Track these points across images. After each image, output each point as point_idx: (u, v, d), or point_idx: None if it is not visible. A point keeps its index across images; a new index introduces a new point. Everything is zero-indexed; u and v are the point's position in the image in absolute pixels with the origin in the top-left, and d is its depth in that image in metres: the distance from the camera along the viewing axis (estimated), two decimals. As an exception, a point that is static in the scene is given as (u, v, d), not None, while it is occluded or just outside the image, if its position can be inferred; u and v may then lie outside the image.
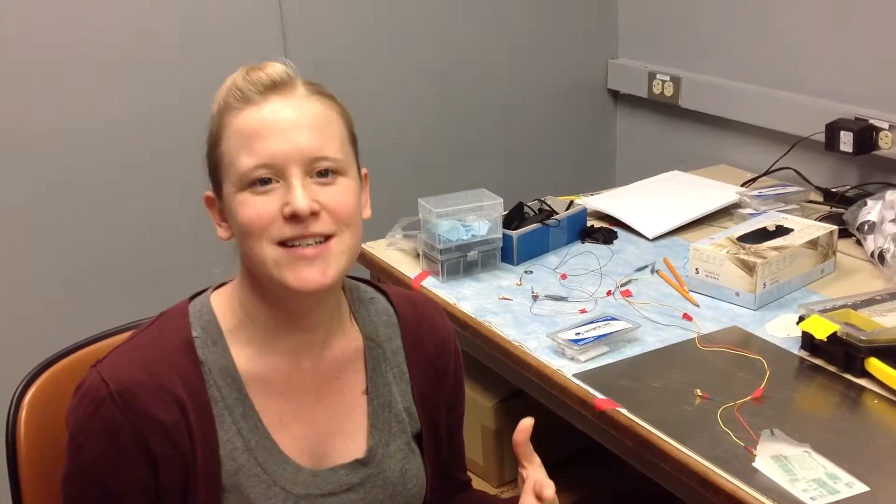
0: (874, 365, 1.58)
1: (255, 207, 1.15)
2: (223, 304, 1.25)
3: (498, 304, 1.93)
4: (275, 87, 1.18)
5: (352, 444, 1.28)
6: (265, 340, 1.23)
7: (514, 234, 2.09)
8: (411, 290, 1.93)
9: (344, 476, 1.26)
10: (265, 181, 1.15)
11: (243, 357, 1.23)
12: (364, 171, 1.28)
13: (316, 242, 1.16)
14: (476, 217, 2.03)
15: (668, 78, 2.88)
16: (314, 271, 1.16)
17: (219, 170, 1.20)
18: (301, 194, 1.14)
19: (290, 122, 1.17)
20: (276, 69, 1.19)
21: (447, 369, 1.37)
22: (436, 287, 2.02)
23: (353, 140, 1.25)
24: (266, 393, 1.23)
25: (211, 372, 1.21)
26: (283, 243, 1.16)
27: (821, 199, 2.38)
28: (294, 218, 1.15)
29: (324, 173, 1.17)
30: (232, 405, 1.21)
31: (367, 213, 1.27)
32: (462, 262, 2.03)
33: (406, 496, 1.31)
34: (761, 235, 1.98)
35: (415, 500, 1.32)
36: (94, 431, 1.16)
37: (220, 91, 1.21)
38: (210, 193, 1.24)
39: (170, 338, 1.22)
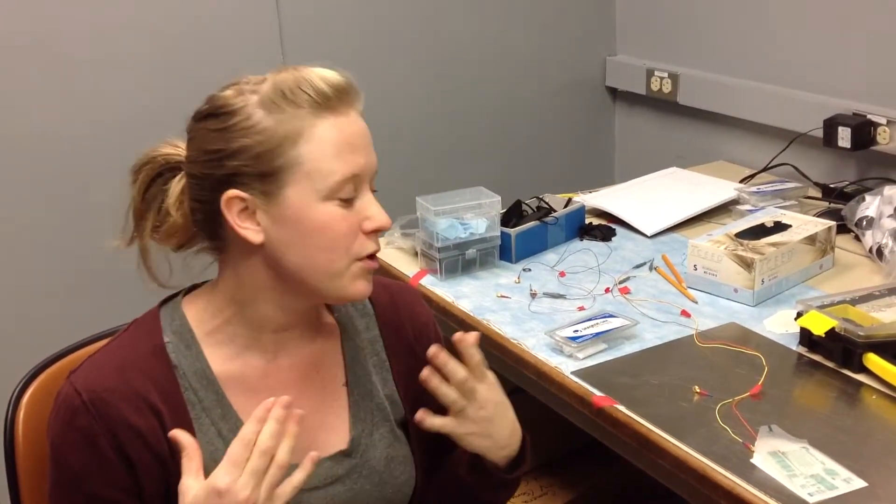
0: (872, 360, 1.58)
1: (347, 220, 1.19)
2: (197, 307, 1.26)
3: (496, 302, 1.93)
4: (352, 95, 1.20)
5: (335, 436, 1.29)
6: (244, 341, 1.24)
7: (513, 231, 2.09)
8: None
9: (329, 469, 1.26)
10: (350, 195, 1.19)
11: (219, 358, 1.23)
12: None
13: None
14: (474, 215, 2.03)
15: (666, 75, 2.88)
16: (371, 283, 1.24)
17: (284, 172, 1.15)
18: (382, 210, 1.21)
19: (367, 137, 1.22)
20: (345, 77, 1.21)
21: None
22: (434, 285, 2.02)
23: None
24: (245, 392, 1.23)
25: (185, 376, 1.21)
26: (361, 258, 1.20)
27: (819, 194, 2.38)
28: (375, 232, 1.21)
29: (375, 188, 1.24)
30: (209, 407, 1.21)
31: None
32: (460, 260, 2.03)
33: (394, 485, 1.31)
34: (759, 231, 1.98)
35: (404, 489, 1.33)
36: (72, 442, 1.16)
37: (277, 88, 1.16)
38: (242, 193, 1.17)
39: (141, 344, 1.22)
